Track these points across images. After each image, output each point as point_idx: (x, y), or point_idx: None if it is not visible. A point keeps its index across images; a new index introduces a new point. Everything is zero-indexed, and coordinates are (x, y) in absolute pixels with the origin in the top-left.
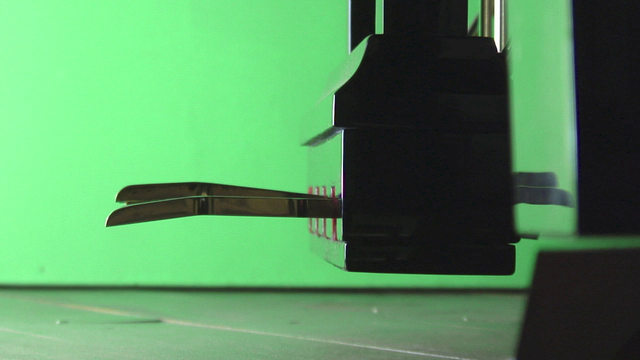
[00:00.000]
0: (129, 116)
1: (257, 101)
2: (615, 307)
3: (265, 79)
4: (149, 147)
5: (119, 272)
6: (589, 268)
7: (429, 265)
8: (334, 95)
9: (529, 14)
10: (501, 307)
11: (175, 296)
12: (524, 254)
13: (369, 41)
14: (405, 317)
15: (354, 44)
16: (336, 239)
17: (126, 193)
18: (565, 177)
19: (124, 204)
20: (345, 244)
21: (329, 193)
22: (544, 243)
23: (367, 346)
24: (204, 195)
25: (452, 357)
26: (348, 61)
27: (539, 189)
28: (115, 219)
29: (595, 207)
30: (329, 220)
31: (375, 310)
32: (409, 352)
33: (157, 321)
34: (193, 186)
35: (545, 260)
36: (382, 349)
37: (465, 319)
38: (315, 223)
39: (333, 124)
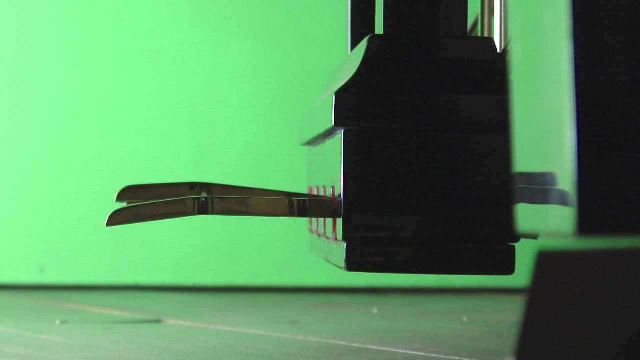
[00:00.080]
0: (129, 116)
1: (257, 101)
2: (615, 307)
3: (265, 79)
4: (149, 147)
5: (119, 272)
6: (589, 268)
7: (429, 265)
8: (334, 95)
9: (529, 14)
10: (501, 307)
11: (175, 296)
12: (524, 254)
13: (369, 41)
14: (405, 317)
15: (354, 44)
16: (336, 239)
17: (126, 193)
18: (565, 177)
19: (124, 204)
20: (345, 244)
21: (329, 193)
22: (544, 243)
23: (367, 346)
24: (204, 195)
25: (452, 357)
26: (348, 61)
27: (539, 189)
28: (115, 219)
29: (595, 207)
30: (329, 220)
31: (375, 310)
32: (409, 352)
33: (157, 321)
34: (193, 186)
35: (545, 260)
36: (382, 349)
37: (465, 319)
38: (315, 223)
39: (333, 124)
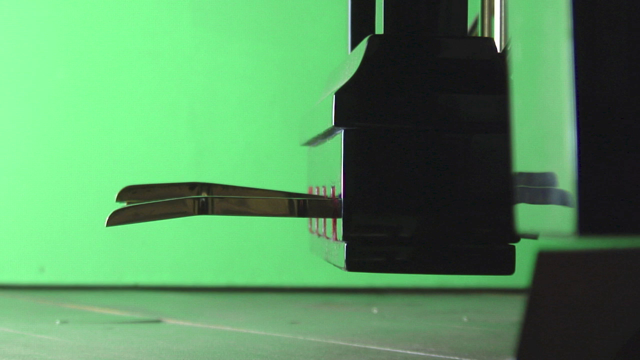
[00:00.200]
0: (129, 116)
1: (257, 101)
2: (615, 307)
3: (265, 79)
4: (149, 147)
5: (119, 272)
6: (589, 268)
7: (429, 265)
8: (334, 95)
9: (529, 14)
10: (501, 307)
11: (175, 296)
12: (524, 254)
13: (369, 41)
14: (405, 317)
15: (354, 44)
16: (336, 239)
17: (126, 193)
18: (565, 177)
19: (124, 204)
20: (345, 244)
21: (329, 193)
22: (544, 243)
23: (367, 346)
24: (204, 195)
25: (452, 357)
26: (348, 61)
27: (539, 189)
28: (116, 219)
29: (595, 207)
30: (329, 220)
31: (375, 310)
32: (409, 352)
33: (157, 321)
34: (193, 186)
35: (545, 260)
36: (382, 349)
37: (465, 319)
38: (315, 223)
39: (333, 124)
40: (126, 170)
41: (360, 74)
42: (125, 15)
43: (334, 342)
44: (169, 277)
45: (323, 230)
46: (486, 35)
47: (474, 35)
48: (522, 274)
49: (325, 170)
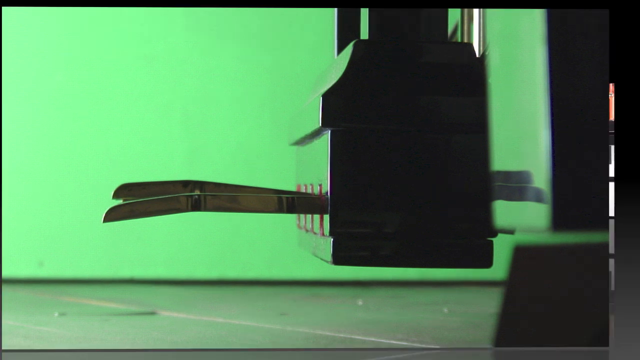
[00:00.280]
0: (125, 117)
1: (248, 103)
2: (584, 297)
3: (255, 81)
4: (144, 146)
5: (115, 266)
6: (561, 262)
7: (412, 259)
8: (322, 98)
9: (506, 21)
10: (480, 298)
11: (169, 289)
12: (502, 248)
13: (355, 46)
14: (389, 309)
15: (340, 49)
16: (323, 235)
17: (122, 190)
18: (540, 176)
19: (120, 201)
20: (332, 239)
21: (317, 191)
22: (520, 238)
23: (353, 336)
24: (197, 192)
25: (433, 347)
26: (334, 65)
27: (516, 186)
28: (112, 215)
29: (568, 204)
30: (317, 217)
31: (360, 302)
32: (392, 341)
33: (152, 313)
34: (186, 184)
35: (521, 254)
36: (367, 339)
37: (446, 310)
38: (304, 219)
39: (320, 124)
40: (122, 168)
41: (346, 77)
42: (121, 21)
43: (321, 332)
44: (163, 271)
45: (311, 226)
46: (466, 40)
47: (454, 40)
48: (499, 267)
49: (312, 169)
